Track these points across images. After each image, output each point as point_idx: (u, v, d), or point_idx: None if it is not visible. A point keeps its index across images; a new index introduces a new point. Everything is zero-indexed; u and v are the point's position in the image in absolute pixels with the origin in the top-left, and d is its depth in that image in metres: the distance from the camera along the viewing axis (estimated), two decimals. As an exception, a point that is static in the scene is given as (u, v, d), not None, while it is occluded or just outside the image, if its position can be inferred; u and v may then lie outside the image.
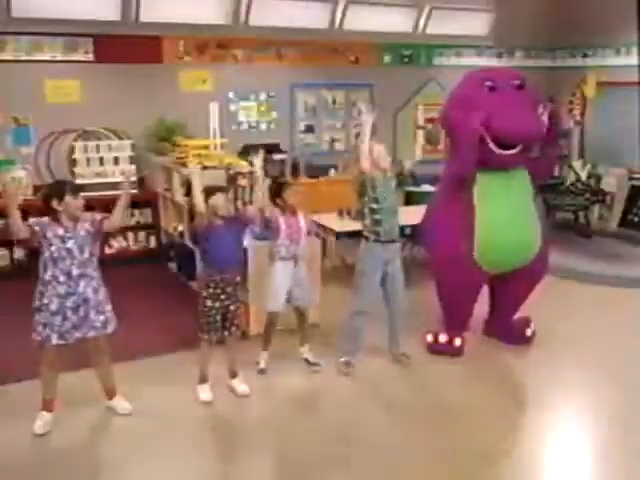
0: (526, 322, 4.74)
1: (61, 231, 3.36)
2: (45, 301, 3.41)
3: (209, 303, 3.80)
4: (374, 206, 4.11)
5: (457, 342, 4.49)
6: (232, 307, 3.87)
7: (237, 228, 3.92)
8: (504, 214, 4.32)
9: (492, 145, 4.13)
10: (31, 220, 3.46)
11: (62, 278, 3.38)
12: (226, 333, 3.92)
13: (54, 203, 3.32)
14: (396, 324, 4.39)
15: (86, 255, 3.44)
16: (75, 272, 3.40)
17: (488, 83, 4.18)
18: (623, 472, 3.26)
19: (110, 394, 3.77)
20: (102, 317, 3.55)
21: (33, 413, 3.56)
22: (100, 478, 3.22)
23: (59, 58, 6.37)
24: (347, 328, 4.33)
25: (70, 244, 3.38)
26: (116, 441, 3.52)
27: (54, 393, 3.57)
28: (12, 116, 6.25)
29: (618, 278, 6.16)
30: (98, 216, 3.56)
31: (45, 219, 3.39)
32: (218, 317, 3.84)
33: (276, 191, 4.18)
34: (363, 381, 4.19)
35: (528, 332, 4.71)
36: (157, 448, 3.43)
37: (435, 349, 4.53)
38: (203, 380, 3.95)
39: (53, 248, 3.35)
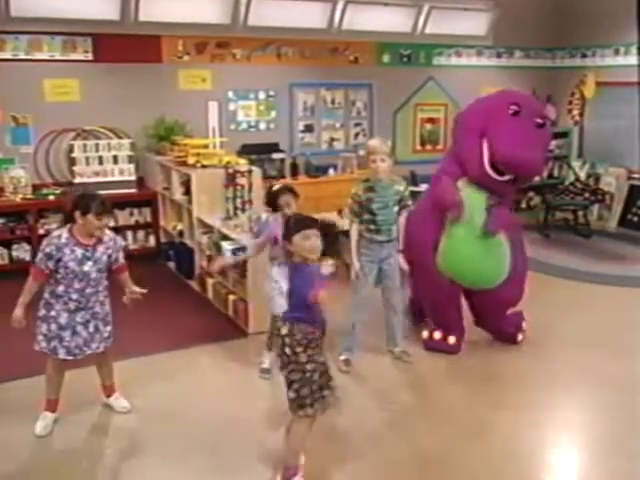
0: (518, 322, 4.67)
1: (80, 252, 3.26)
2: (52, 313, 3.35)
3: (310, 367, 2.86)
4: (370, 223, 4.14)
5: (451, 340, 4.48)
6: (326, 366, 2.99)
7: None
8: (466, 235, 4.13)
9: (488, 166, 4.10)
10: (43, 255, 3.24)
11: (75, 296, 3.33)
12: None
13: (77, 214, 3.22)
14: (394, 322, 4.38)
15: (101, 274, 3.40)
16: (88, 290, 3.35)
17: (513, 107, 4.15)
18: (622, 469, 3.25)
19: (108, 392, 3.76)
20: (109, 327, 3.56)
21: (31, 411, 3.55)
22: (100, 478, 3.22)
23: (58, 57, 6.36)
24: (346, 326, 4.32)
25: (88, 267, 3.29)
26: (116, 439, 3.50)
27: (59, 394, 3.55)
28: (11, 115, 6.24)
29: (618, 277, 6.16)
30: (121, 258, 3.49)
31: (63, 237, 3.25)
32: (316, 376, 2.91)
33: (271, 199, 4.05)
34: (362, 379, 4.18)
35: (519, 337, 4.65)
36: (156, 446, 3.41)
37: (430, 346, 4.53)
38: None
39: (69, 270, 3.26)
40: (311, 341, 2.86)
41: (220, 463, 3.29)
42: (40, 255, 3.26)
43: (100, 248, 3.35)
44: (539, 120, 4.22)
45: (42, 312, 3.39)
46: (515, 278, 4.36)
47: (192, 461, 3.28)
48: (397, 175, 4.35)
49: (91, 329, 3.44)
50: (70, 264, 3.24)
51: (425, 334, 4.57)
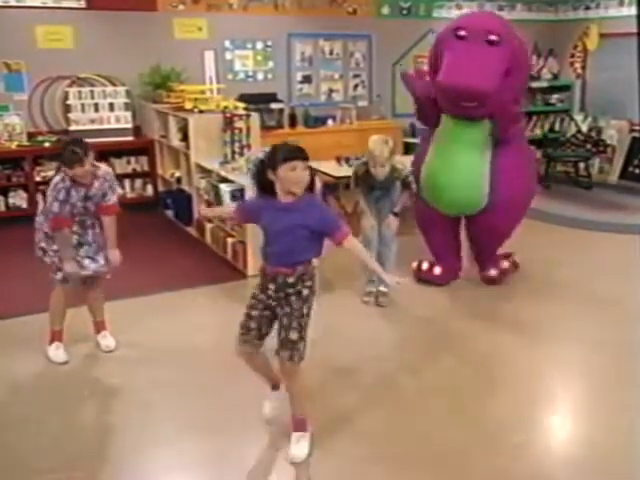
0: (501, 259, 4.65)
1: (83, 191, 3.33)
2: (54, 247, 3.40)
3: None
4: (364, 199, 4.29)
5: (436, 270, 4.56)
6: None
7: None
8: (443, 160, 4.27)
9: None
10: (59, 204, 3.27)
11: (75, 227, 3.39)
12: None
13: (65, 169, 3.26)
14: (385, 252, 4.31)
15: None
16: (88, 222, 3.44)
17: (460, 32, 4.03)
18: (604, 401, 3.23)
19: (98, 328, 3.75)
20: (102, 254, 3.52)
21: (32, 345, 3.61)
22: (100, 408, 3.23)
23: (50, 5, 6.23)
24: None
25: (89, 203, 3.38)
26: (112, 371, 3.50)
27: (63, 324, 3.60)
28: (3, 62, 6.13)
29: (620, 225, 6.11)
30: (111, 195, 3.43)
31: (67, 180, 3.27)
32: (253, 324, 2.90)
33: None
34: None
35: (492, 272, 4.58)
36: (152, 378, 3.41)
37: (419, 277, 4.61)
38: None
39: (73, 205, 3.33)
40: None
41: (219, 394, 3.28)
42: (56, 205, 3.27)
43: (96, 184, 3.37)
44: (492, 37, 3.96)
45: (43, 245, 3.44)
46: (499, 204, 4.26)
47: (191, 393, 3.27)
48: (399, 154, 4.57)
49: (91, 253, 3.48)
50: (77, 202, 3.32)
51: (414, 265, 4.64)
